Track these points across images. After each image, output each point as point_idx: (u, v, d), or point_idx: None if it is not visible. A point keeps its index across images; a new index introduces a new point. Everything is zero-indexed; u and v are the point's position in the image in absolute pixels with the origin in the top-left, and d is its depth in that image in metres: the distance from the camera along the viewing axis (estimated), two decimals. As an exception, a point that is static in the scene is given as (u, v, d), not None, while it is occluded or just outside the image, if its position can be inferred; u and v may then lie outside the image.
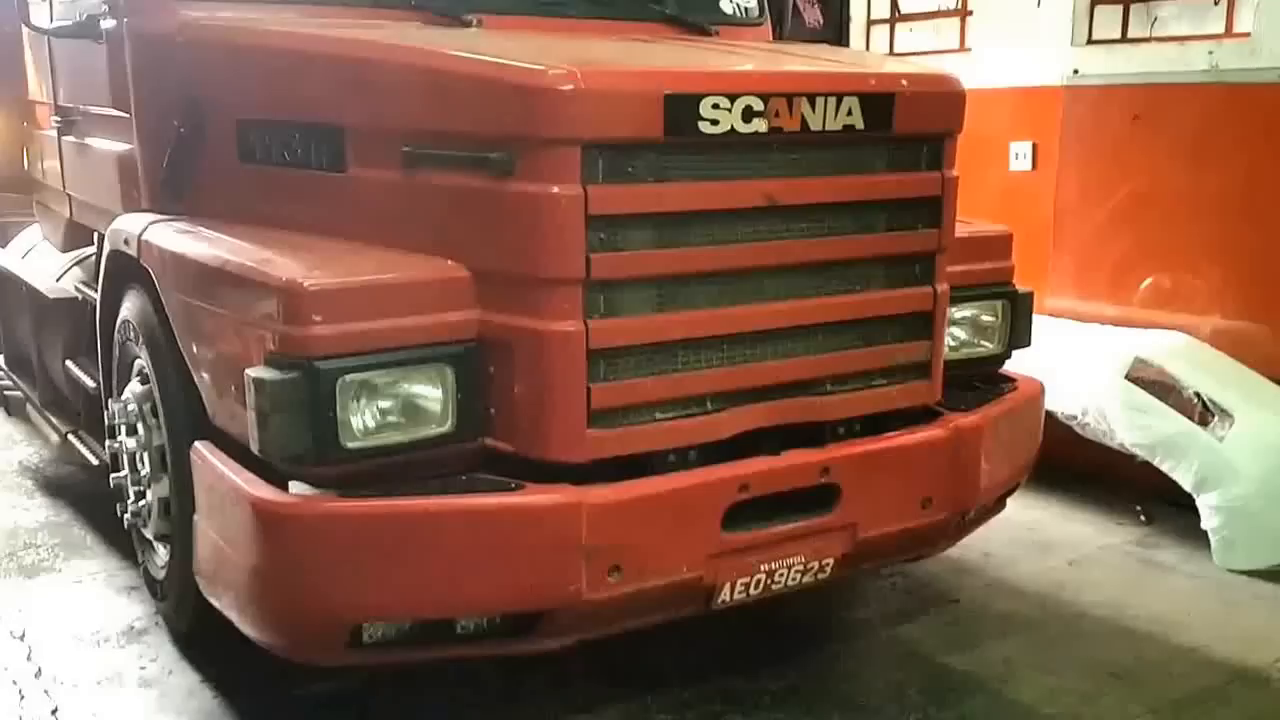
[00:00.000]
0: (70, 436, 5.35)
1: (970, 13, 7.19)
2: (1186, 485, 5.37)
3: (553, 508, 3.26)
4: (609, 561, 3.32)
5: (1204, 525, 5.32)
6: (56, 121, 5.20)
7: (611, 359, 3.36)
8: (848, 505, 3.72)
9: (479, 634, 3.41)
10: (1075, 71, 6.37)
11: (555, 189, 3.20)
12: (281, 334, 3.20)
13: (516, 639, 3.43)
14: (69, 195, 5.24)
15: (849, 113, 3.53)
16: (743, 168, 3.47)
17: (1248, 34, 5.82)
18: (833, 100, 3.50)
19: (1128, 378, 5.59)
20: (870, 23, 7.69)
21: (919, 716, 4.01)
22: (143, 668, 4.29)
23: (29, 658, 4.37)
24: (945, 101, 3.83)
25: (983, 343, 4.39)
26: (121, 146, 4.40)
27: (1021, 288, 4.47)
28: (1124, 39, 6.38)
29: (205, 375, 3.68)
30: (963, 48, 7.18)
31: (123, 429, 4.33)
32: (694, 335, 3.47)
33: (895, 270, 3.83)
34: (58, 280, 5.56)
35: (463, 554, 3.22)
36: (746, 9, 5.19)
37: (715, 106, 3.32)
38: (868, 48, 7.68)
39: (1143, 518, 5.77)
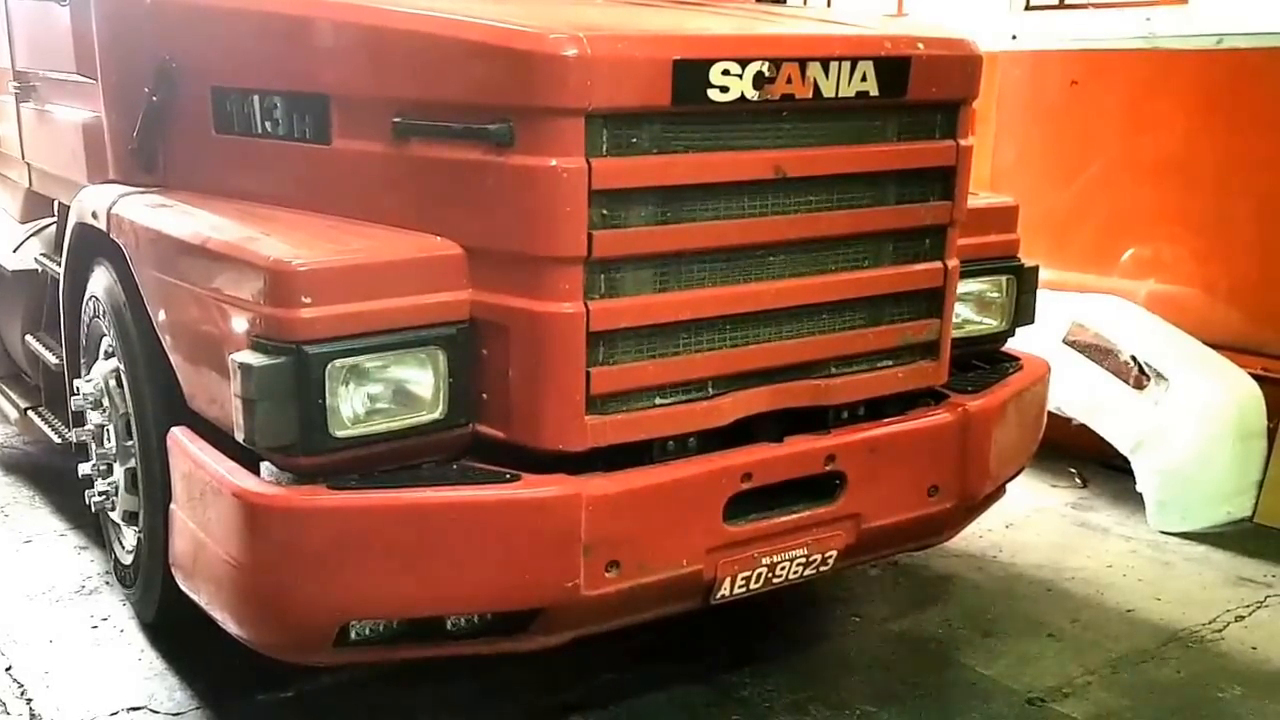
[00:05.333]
0: (30, 413, 5.14)
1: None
2: (1122, 448, 5.41)
3: (552, 500, 3.09)
4: (607, 556, 3.16)
5: (1139, 488, 5.37)
6: (15, 87, 4.94)
7: (611, 341, 3.18)
8: (852, 494, 3.58)
9: (470, 631, 3.25)
10: (1013, 37, 6.31)
11: (557, 162, 3.01)
12: (268, 316, 3.00)
13: (509, 637, 3.27)
14: (28, 164, 5.00)
15: (863, 78, 3.36)
16: (750, 138, 3.29)
17: (1185, 0, 5.82)
18: (847, 65, 3.32)
19: (1064, 341, 5.61)
20: (807, -15, 7.59)
21: (855, 677, 3.98)
22: (94, 626, 4.23)
23: (-19, 616, 4.34)
24: (962, 66, 3.65)
25: (986, 319, 4.25)
26: (87, 114, 4.17)
27: (1027, 261, 4.33)
28: (1062, 4, 6.33)
29: (182, 358, 3.48)
30: (900, 12, 7.08)
31: (89, 412, 4.12)
32: (697, 316, 3.30)
33: (905, 245, 3.67)
34: (15, 251, 5.32)
35: (458, 549, 3.04)
36: (736, -30, 4.99)
37: (726, 73, 3.13)
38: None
39: (1078, 480, 5.80)
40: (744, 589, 3.47)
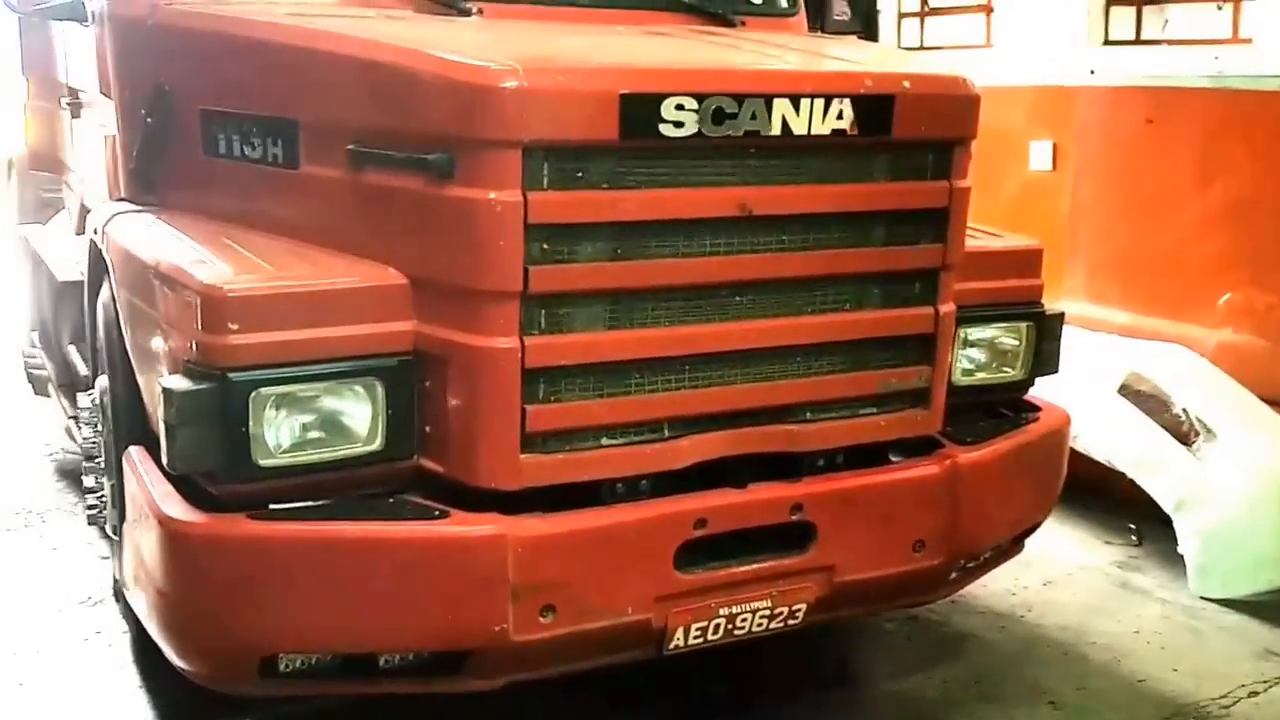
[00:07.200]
0: (70, 422, 5.26)
1: (992, 9, 6.96)
2: (1166, 506, 5.10)
3: (474, 540, 3.01)
4: (541, 600, 3.06)
5: (1180, 549, 5.04)
6: (67, 102, 5.09)
7: (553, 379, 3.09)
8: (824, 546, 3.42)
9: (404, 670, 3.18)
10: (1092, 72, 6.04)
11: (492, 195, 2.94)
12: (198, 341, 2.98)
13: (443, 677, 3.19)
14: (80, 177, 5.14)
15: (839, 116, 3.22)
16: (713, 174, 3.17)
17: (1251, 39, 5.56)
18: (820, 102, 3.19)
19: (1121, 391, 5.33)
20: (901, 15, 7.39)
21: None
22: (86, 639, 4.28)
23: (-17, 620, 4.42)
24: (955, 105, 3.48)
25: (1003, 368, 4.02)
26: (107, 133, 4.24)
27: (1051, 307, 4.08)
28: (1138, 40, 6.05)
29: (144, 378, 3.50)
30: (988, 43, 6.86)
31: (84, 426, 4.19)
32: (648, 355, 3.19)
33: (892, 288, 3.51)
34: (77, 263, 5.47)
35: (377, 586, 2.98)
36: (776, -2, 4.86)
37: (679, 108, 3.03)
38: (898, 40, 7.37)
39: (1134, 538, 5.48)
40: (700, 640, 3.33)
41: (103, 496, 4.08)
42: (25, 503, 5.52)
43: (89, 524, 4.33)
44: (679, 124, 3.04)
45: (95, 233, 4.00)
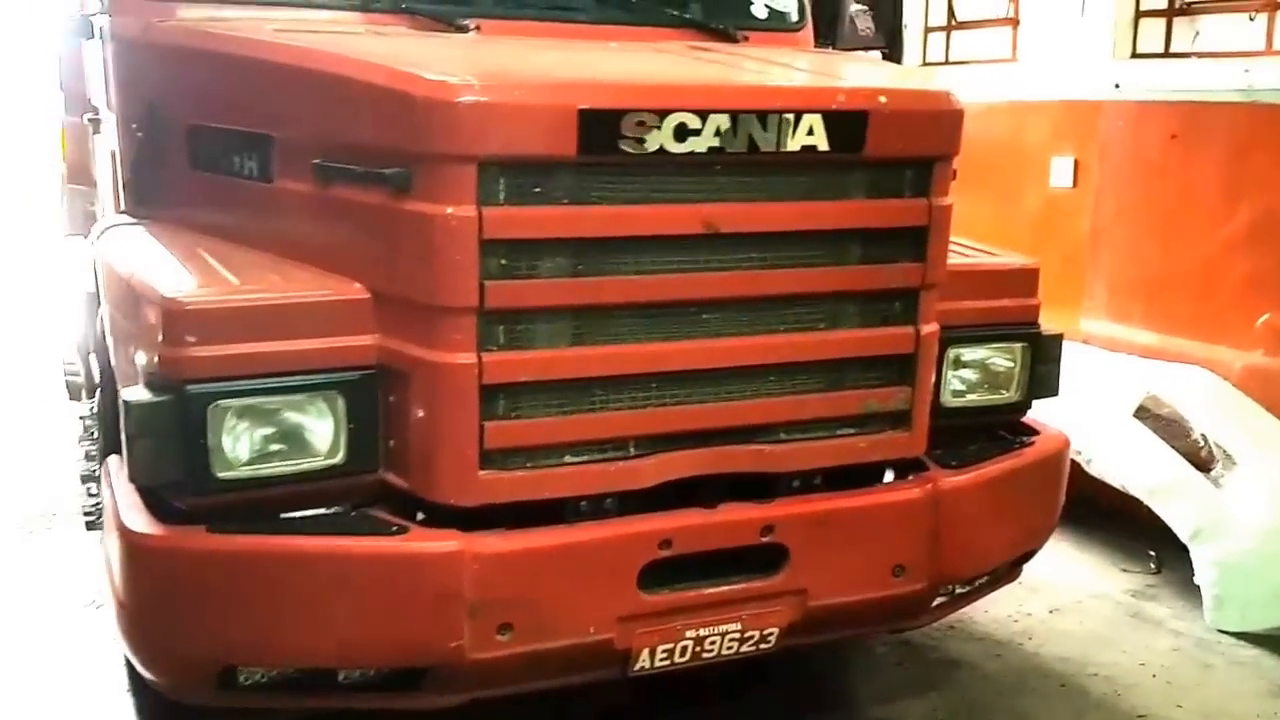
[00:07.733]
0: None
1: (1019, 22, 6.82)
2: (1182, 535, 4.92)
3: (430, 556, 3.01)
4: (498, 619, 3.05)
5: (1196, 579, 4.86)
6: (89, 119, 5.18)
7: (513, 395, 3.08)
8: (796, 569, 3.37)
9: (363, 685, 3.18)
10: (1116, 86, 5.89)
11: (448, 210, 2.94)
12: (159, 354, 3.01)
13: (403, 693, 3.19)
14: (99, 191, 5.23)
15: (809, 133, 3.18)
16: (678, 190, 3.14)
17: None
18: (789, 119, 3.15)
19: (1137, 414, 5.19)
20: (928, 30, 7.28)
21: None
22: (86, 641, 4.30)
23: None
24: (935, 121, 3.42)
25: (997, 390, 3.93)
26: (110, 147, 4.32)
27: (1049, 329, 3.97)
28: (1167, 53, 5.91)
29: (120, 387, 3.54)
30: (1014, 57, 6.74)
31: (85, 432, 4.26)
32: (610, 372, 3.16)
33: (869, 307, 3.45)
34: None
35: (332, 601, 2.98)
36: (782, 13, 4.81)
37: (640, 124, 3.00)
38: (924, 55, 7.24)
39: (1153, 565, 5.31)
40: (667, 662, 3.30)
41: (98, 504, 4.14)
42: (50, 506, 5.58)
43: (87, 530, 4.40)
44: (640, 140, 3.02)
45: (93, 245, 4.07)
